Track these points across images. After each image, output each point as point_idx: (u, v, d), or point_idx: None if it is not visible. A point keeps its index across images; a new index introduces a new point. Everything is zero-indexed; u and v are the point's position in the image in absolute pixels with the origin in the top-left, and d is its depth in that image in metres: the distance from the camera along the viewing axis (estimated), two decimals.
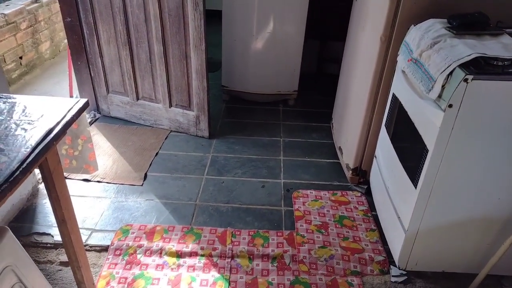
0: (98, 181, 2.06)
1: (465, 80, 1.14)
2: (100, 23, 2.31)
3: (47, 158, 1.08)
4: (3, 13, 2.96)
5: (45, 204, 1.88)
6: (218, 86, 2.94)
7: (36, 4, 3.41)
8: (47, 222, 1.79)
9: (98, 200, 1.95)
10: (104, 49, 2.39)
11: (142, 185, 2.05)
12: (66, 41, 2.66)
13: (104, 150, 2.31)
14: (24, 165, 0.92)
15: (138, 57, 2.34)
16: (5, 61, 2.99)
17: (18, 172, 0.90)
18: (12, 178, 0.88)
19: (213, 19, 3.28)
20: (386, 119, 1.75)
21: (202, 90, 2.30)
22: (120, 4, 2.19)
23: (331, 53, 3.26)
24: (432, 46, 1.32)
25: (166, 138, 2.45)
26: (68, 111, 1.13)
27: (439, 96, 1.22)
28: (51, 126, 1.05)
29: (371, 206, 1.93)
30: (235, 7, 2.55)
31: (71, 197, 1.26)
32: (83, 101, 1.19)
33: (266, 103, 2.89)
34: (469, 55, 1.18)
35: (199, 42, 2.14)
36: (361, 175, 2.07)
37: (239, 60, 2.73)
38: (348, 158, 2.12)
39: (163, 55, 2.26)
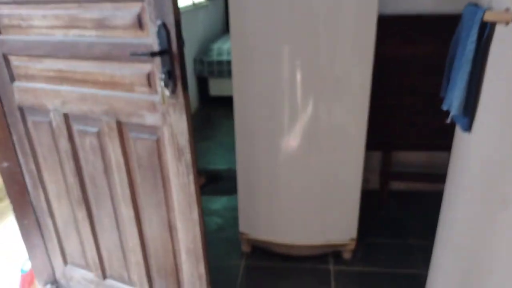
0: None
1: None
2: (45, 172, 1.51)
3: None
4: None
5: None
6: (235, 225, 2.00)
7: None
8: None
9: None
10: (54, 206, 1.57)
11: None
12: None
13: None
14: None
15: (100, 221, 1.48)
16: None
17: None
18: None
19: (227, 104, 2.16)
20: None
21: (198, 278, 1.37)
22: (67, 146, 1.38)
23: (397, 166, 2.30)
24: None
25: None
26: None
27: None
28: None
29: None
30: (252, 95, 1.64)
31: None
32: None
33: (307, 257, 1.90)
34: None
35: (188, 209, 1.25)
36: None
37: (264, 190, 1.80)
38: None
39: (135, 221, 1.38)
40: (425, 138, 2.19)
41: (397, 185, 2.40)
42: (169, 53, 1.05)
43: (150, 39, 1.07)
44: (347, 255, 1.89)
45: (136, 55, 1.08)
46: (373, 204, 2.26)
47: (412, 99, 2.04)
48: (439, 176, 2.30)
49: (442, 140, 2.15)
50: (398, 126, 2.11)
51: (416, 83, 2.00)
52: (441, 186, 2.33)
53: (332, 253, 1.91)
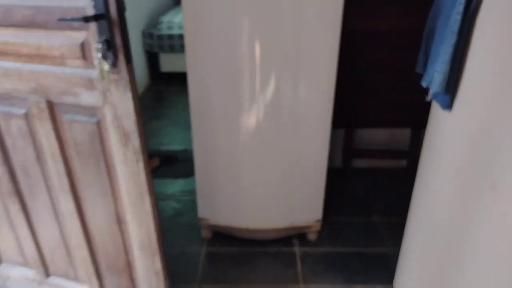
0: None
1: None
2: None
3: None
4: None
5: None
6: (193, 209, 1.88)
7: None
8: None
9: None
10: None
11: None
12: None
13: None
14: None
15: (36, 215, 1.30)
16: None
17: None
18: None
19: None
20: None
21: (155, 274, 1.24)
22: None
23: (360, 144, 2.26)
24: None
25: None
26: None
27: None
28: None
29: None
30: (208, 70, 1.48)
31: None
32: None
33: (271, 241, 1.82)
34: None
35: (140, 200, 1.11)
36: None
37: (224, 172, 1.67)
38: None
39: (77, 215, 1.22)
40: (387, 115, 2.15)
41: (359, 163, 2.37)
42: (107, 18, 0.87)
43: (83, 1, 0.88)
44: (312, 236, 1.83)
45: (66, 21, 0.88)
46: (336, 182, 2.21)
47: (377, 75, 1.97)
48: (401, 152, 2.30)
49: (405, 116, 2.12)
50: (362, 103, 2.04)
51: (383, 58, 1.93)
52: (403, 162, 2.34)
53: (297, 235, 1.84)
